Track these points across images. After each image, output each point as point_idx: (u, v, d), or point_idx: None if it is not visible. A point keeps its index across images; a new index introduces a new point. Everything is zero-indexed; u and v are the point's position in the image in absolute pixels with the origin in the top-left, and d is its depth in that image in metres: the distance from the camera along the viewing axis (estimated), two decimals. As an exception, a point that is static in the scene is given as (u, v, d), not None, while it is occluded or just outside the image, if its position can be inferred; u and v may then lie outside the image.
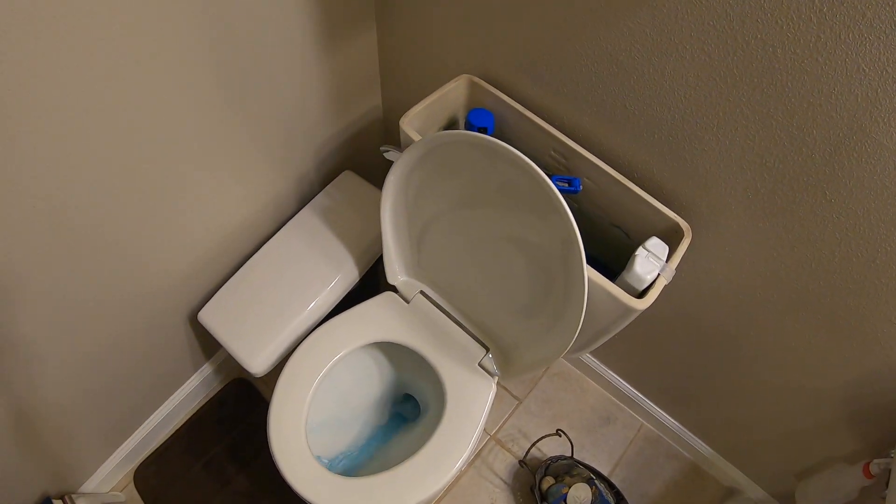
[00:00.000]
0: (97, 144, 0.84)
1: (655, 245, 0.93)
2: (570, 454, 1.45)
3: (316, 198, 1.32)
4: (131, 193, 0.95)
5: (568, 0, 0.89)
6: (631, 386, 1.58)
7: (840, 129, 0.76)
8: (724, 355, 1.23)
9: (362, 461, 1.24)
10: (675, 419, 1.55)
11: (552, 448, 1.54)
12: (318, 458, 1.07)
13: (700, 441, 1.54)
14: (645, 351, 1.42)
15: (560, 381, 1.65)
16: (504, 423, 1.58)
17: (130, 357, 1.20)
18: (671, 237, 0.99)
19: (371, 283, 1.33)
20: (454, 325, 1.19)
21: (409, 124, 1.04)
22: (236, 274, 1.23)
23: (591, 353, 1.59)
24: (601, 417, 1.62)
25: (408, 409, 1.38)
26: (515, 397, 1.62)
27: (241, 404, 1.53)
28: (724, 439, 1.48)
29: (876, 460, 1.03)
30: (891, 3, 0.64)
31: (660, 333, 1.33)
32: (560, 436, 1.44)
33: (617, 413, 1.63)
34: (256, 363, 1.16)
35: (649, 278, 0.90)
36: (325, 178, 1.37)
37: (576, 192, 1.05)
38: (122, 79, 0.81)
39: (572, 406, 1.62)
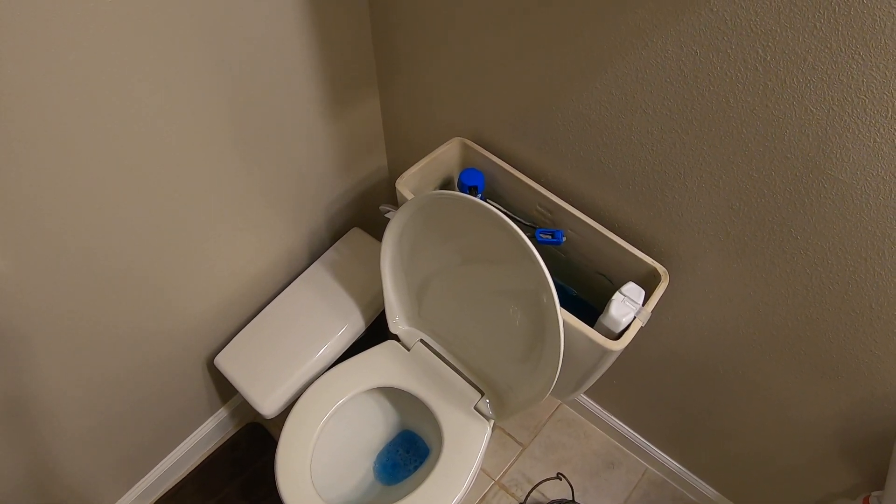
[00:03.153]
0: (128, 198, 0.87)
1: (631, 289, 0.89)
2: (571, 498, 1.35)
3: (326, 253, 1.32)
4: (156, 242, 0.96)
5: (542, 68, 0.89)
6: (632, 430, 1.49)
7: (797, 168, 0.73)
8: (717, 393, 1.15)
9: (367, 501, 1.17)
10: (679, 462, 1.44)
11: (555, 492, 1.44)
12: (324, 496, 1.02)
13: (704, 483, 1.42)
14: (642, 393, 1.34)
15: (563, 427, 1.56)
16: (508, 468, 1.48)
17: (150, 397, 1.18)
18: (649, 282, 0.94)
19: (377, 331, 1.29)
20: (452, 371, 1.15)
21: (405, 185, 1.04)
22: (251, 322, 1.22)
23: (591, 397, 1.51)
24: (605, 462, 1.52)
25: (413, 451, 1.31)
26: (519, 443, 1.53)
27: (255, 447, 1.47)
28: (728, 480, 1.36)
29: (875, 493, 0.93)
30: (829, 48, 0.62)
31: (654, 375, 1.25)
32: (560, 479, 1.35)
33: (620, 457, 1.53)
34: (267, 405, 1.13)
35: (625, 321, 0.86)
36: (335, 235, 1.37)
37: (558, 243, 1.02)
38: (153, 141, 0.84)
39: (575, 451, 1.52)
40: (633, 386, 1.34)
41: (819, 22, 0.61)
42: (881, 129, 0.63)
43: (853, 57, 0.61)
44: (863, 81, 0.62)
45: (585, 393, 1.52)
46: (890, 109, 0.61)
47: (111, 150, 0.80)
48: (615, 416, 1.51)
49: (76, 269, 0.87)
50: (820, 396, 0.97)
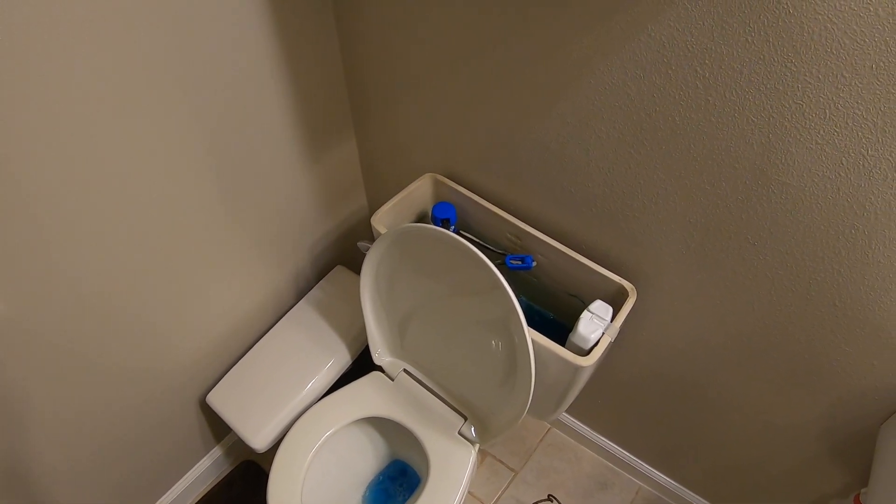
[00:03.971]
0: (126, 244, 0.85)
1: (599, 307, 0.85)
2: (565, 521, 1.26)
3: (311, 291, 1.27)
4: (150, 282, 0.93)
5: (502, 102, 0.87)
6: (622, 448, 1.40)
7: (745, 177, 0.69)
8: (699, 406, 1.08)
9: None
10: (671, 478, 1.35)
11: (551, 516, 1.34)
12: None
13: (698, 497, 1.32)
14: (628, 412, 1.27)
15: (554, 451, 1.47)
16: (501, 494, 1.39)
17: (145, 435, 1.11)
18: (618, 299, 0.90)
19: (363, 364, 1.23)
20: (434, 398, 1.08)
21: (380, 221, 1.00)
22: (241, 360, 1.17)
23: (579, 419, 1.43)
24: (597, 483, 1.42)
25: (404, 480, 1.22)
26: (511, 469, 1.43)
27: (250, 485, 1.38)
28: (721, 491, 1.27)
29: (863, 490, 0.86)
30: (763, 59, 0.59)
31: (638, 393, 1.18)
32: (552, 501, 1.26)
33: (613, 478, 1.44)
34: (258, 439, 1.07)
35: (593, 337, 0.81)
36: (320, 273, 1.32)
37: (528, 268, 0.98)
38: (144, 191, 0.83)
39: (568, 474, 1.43)
40: (619, 405, 1.27)
41: (750, 36, 0.59)
42: (821, 131, 0.60)
43: (786, 65, 0.58)
44: (798, 87, 0.59)
45: (573, 415, 1.44)
46: (827, 111, 0.58)
47: (107, 199, 0.79)
48: (604, 437, 1.42)
49: (75, 309, 0.84)
50: (799, 399, 0.90)
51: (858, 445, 0.90)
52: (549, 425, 1.52)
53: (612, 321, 0.83)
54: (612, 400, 1.27)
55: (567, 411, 1.44)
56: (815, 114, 0.59)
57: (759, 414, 0.99)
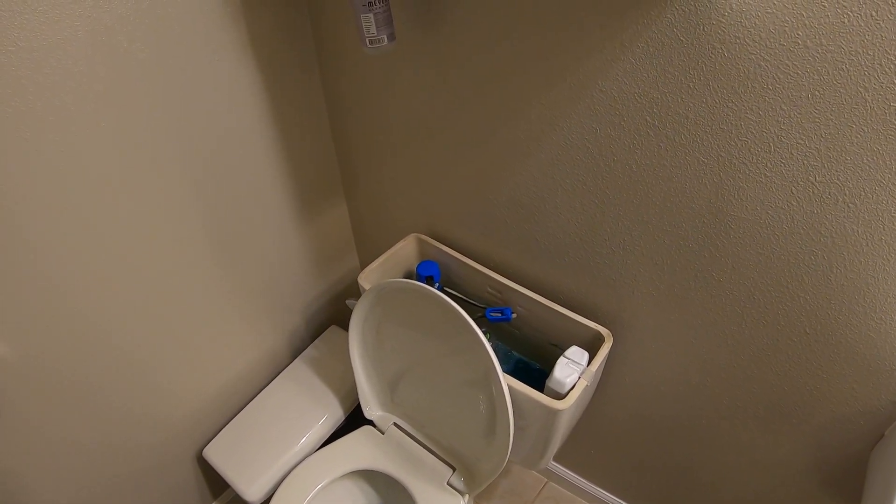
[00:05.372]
0: (134, 307, 0.83)
1: (574, 352, 0.77)
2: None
3: (306, 350, 1.18)
4: (154, 338, 0.89)
5: (474, 164, 0.84)
6: (620, 499, 1.25)
7: (703, 215, 0.64)
8: (689, 446, 0.96)
9: None
10: (668, 528, 1.19)
11: (551, 576, 1.17)
12: None
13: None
14: (622, 460, 1.14)
15: (551, 505, 1.32)
16: (499, 552, 1.22)
17: (140, 489, 1.01)
18: (595, 344, 0.82)
19: (357, 419, 1.13)
20: (424, 450, 0.97)
21: (366, 279, 0.95)
22: (237, 416, 1.07)
23: (574, 470, 1.29)
24: (595, 538, 1.25)
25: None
26: (508, 524, 1.28)
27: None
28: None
29: None
30: (706, 103, 0.56)
31: (629, 440, 1.07)
32: (549, 560, 1.09)
33: (610, 532, 1.27)
34: (251, 492, 0.96)
35: (569, 381, 0.73)
36: (314, 333, 1.24)
37: (508, 320, 0.91)
38: (147, 259, 0.81)
39: (565, 528, 1.27)
40: (612, 453, 1.15)
41: (691, 82, 0.57)
42: (768, 164, 0.56)
43: (728, 106, 0.55)
44: (741, 125, 0.55)
45: (568, 466, 1.30)
46: (771, 144, 0.54)
47: (112, 268, 0.77)
48: (600, 487, 1.27)
49: (81, 354, 0.79)
50: (785, 431, 0.80)
51: (851, 473, 0.78)
52: (545, 479, 1.37)
53: (588, 365, 0.75)
54: (604, 448, 1.15)
55: (562, 462, 1.30)
56: (760, 148, 0.55)
57: (749, 450, 0.87)
